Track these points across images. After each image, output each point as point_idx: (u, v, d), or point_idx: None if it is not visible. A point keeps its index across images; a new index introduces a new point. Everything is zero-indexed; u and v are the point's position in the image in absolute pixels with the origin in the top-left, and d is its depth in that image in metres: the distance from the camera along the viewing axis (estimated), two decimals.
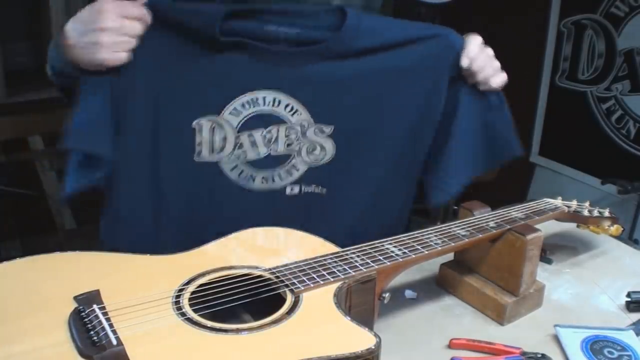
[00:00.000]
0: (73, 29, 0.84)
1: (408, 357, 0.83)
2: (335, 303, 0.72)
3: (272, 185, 0.98)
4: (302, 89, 0.94)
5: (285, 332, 0.67)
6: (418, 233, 0.88)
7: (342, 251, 0.82)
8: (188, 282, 0.74)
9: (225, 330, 0.66)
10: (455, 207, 1.00)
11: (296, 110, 0.95)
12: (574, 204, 1.10)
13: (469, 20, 2.71)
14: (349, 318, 0.70)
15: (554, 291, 1.00)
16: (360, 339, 0.66)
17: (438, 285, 1.01)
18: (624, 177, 2.14)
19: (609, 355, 0.81)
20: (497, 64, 0.99)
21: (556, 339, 0.86)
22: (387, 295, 0.81)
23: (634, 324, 0.91)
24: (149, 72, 0.89)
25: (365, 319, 0.76)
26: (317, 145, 0.97)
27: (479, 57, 0.97)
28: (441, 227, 0.91)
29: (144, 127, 0.92)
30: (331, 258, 0.80)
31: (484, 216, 0.95)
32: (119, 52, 0.85)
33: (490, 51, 1.00)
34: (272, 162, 0.96)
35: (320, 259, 0.79)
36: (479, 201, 1.00)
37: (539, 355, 0.82)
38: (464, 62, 0.96)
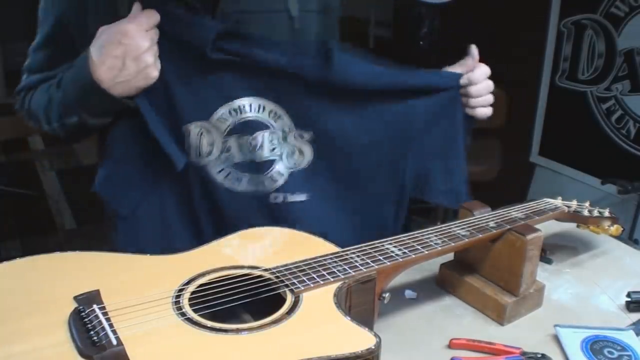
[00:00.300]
0: (108, 68, 0.84)
1: (408, 357, 0.83)
2: (335, 303, 0.72)
3: (257, 189, 0.99)
4: (286, 96, 0.96)
5: (285, 332, 0.67)
6: (418, 233, 0.88)
7: (342, 251, 0.82)
8: (188, 282, 0.74)
9: (225, 330, 0.66)
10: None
11: (279, 116, 0.97)
12: (574, 204, 1.10)
13: (468, 20, 2.72)
14: (349, 318, 0.70)
15: (554, 291, 1.00)
16: (360, 339, 0.66)
17: (438, 285, 1.01)
18: (624, 177, 2.14)
19: (609, 355, 0.81)
20: (491, 98, 1.06)
21: (556, 339, 0.86)
22: (387, 295, 0.81)
23: (634, 324, 0.91)
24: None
25: (365, 319, 0.76)
26: (296, 149, 0.99)
27: (480, 84, 1.03)
28: (441, 227, 0.91)
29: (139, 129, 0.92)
30: (331, 258, 0.80)
31: (484, 216, 0.95)
32: (157, 64, 0.87)
33: (491, 84, 1.05)
34: (257, 167, 0.98)
35: (320, 259, 0.79)
36: (479, 201, 1.00)
37: (539, 355, 0.82)
38: (464, 80, 1.02)
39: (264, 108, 0.96)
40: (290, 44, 0.96)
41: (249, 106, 0.95)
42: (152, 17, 0.86)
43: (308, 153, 1.00)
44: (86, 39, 0.90)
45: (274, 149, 0.98)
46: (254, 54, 0.92)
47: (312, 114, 0.98)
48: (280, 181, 0.99)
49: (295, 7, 1.02)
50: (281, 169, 0.99)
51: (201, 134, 0.94)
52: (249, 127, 0.96)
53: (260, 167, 0.98)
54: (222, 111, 0.94)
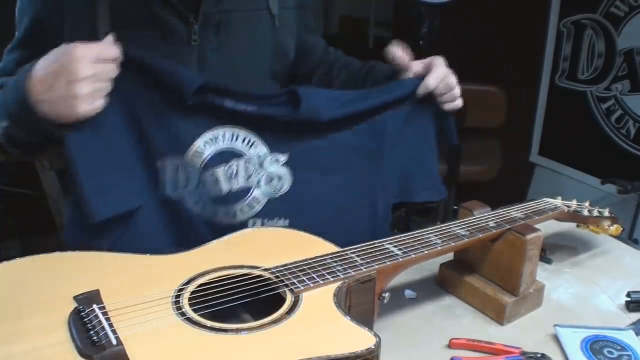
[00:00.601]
0: (41, 81, 0.79)
1: (408, 357, 0.83)
2: (335, 303, 0.72)
3: (235, 219, 0.97)
4: (259, 122, 0.96)
5: (285, 332, 0.67)
6: (418, 233, 0.88)
7: (342, 251, 0.82)
8: (188, 282, 0.74)
9: (225, 330, 0.66)
10: (455, 207, 1.01)
11: (253, 143, 0.96)
12: (574, 204, 1.10)
13: (468, 20, 2.72)
14: (349, 318, 0.70)
15: (554, 291, 1.00)
16: (360, 339, 0.66)
17: (438, 285, 1.01)
18: (624, 177, 2.14)
19: (609, 355, 0.81)
20: (457, 92, 1.07)
21: (556, 339, 0.86)
22: (387, 295, 0.81)
23: (634, 324, 0.91)
24: (117, 114, 0.88)
25: (365, 319, 0.76)
26: (275, 176, 0.99)
27: (440, 85, 1.03)
28: (441, 227, 0.91)
29: (113, 163, 0.89)
30: (331, 258, 0.80)
31: (484, 216, 0.95)
32: (97, 100, 0.81)
33: (451, 81, 1.05)
34: (233, 197, 0.97)
35: (320, 258, 0.79)
36: (479, 201, 1.00)
37: (539, 355, 0.82)
38: (420, 91, 1.03)
39: (237, 137, 0.95)
40: (260, 95, 0.95)
41: (222, 136, 0.94)
42: (110, 52, 0.82)
43: (287, 177, 1.00)
44: (60, 44, 0.89)
45: (250, 176, 0.97)
46: (226, 103, 0.92)
47: (287, 136, 0.98)
48: (258, 208, 0.98)
49: (276, 5, 1.02)
50: (258, 196, 0.98)
51: (177, 168, 0.93)
52: (223, 158, 0.95)
53: (237, 196, 0.97)
54: (197, 145, 0.92)
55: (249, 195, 0.97)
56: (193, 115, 0.91)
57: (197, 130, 0.93)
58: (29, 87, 0.80)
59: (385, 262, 0.80)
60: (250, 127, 0.95)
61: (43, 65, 0.80)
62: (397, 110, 1.04)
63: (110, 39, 0.84)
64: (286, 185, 0.99)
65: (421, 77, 1.04)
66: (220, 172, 0.94)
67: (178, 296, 0.71)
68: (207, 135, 0.93)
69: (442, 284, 1.00)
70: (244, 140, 0.95)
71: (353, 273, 0.77)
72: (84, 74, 0.78)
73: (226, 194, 0.96)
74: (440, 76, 1.04)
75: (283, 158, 0.98)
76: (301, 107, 0.94)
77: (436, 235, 0.88)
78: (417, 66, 1.06)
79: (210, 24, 0.96)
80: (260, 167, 0.98)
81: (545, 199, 1.08)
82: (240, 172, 0.96)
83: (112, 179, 0.88)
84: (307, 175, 1.00)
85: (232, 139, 0.95)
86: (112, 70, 0.82)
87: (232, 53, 0.99)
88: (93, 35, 0.90)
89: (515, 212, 0.98)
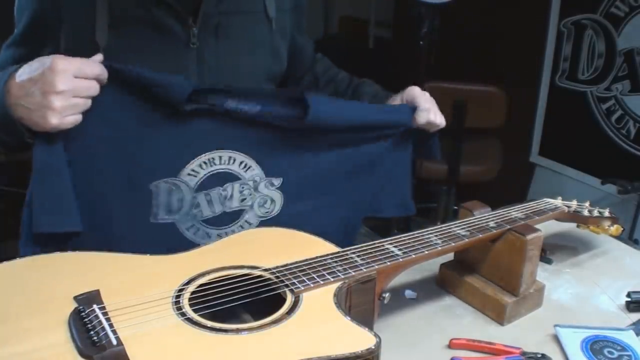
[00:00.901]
0: (20, 85, 0.78)
1: (408, 357, 0.83)
2: (335, 303, 0.72)
3: None
4: (256, 146, 0.96)
5: (285, 332, 0.67)
6: (418, 233, 0.88)
7: (342, 251, 0.82)
8: (188, 282, 0.74)
9: (225, 330, 0.66)
10: (455, 207, 1.01)
11: (249, 167, 0.97)
12: (574, 204, 1.10)
13: (468, 20, 2.72)
14: (349, 318, 0.70)
15: (554, 291, 1.00)
16: (360, 339, 0.66)
17: (438, 285, 1.01)
18: (624, 177, 2.14)
19: (609, 355, 0.81)
20: (437, 109, 1.07)
21: (556, 339, 0.86)
22: (387, 295, 0.81)
23: (634, 324, 0.91)
24: (106, 133, 0.87)
25: (365, 319, 0.76)
26: (268, 198, 1.00)
27: (430, 111, 1.04)
28: (441, 227, 0.91)
29: (98, 189, 0.89)
30: (331, 258, 0.80)
31: (484, 216, 0.95)
32: (72, 115, 0.80)
33: (432, 100, 1.07)
34: (226, 218, 0.97)
35: (320, 258, 0.79)
36: (479, 201, 1.00)
37: (539, 355, 0.82)
38: (422, 120, 1.04)
39: (234, 160, 0.95)
40: (265, 93, 0.96)
41: (219, 159, 0.94)
42: (93, 69, 0.81)
43: (278, 200, 1.01)
44: (57, 45, 0.89)
45: (244, 199, 0.98)
46: (227, 104, 0.91)
47: (283, 162, 0.99)
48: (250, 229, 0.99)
49: (273, 7, 1.03)
50: (251, 218, 0.99)
51: (171, 190, 0.92)
52: (219, 179, 0.95)
53: (229, 218, 0.97)
54: (192, 166, 0.92)
55: (242, 217, 0.98)
56: (190, 135, 0.91)
57: (193, 151, 0.92)
58: (8, 88, 0.80)
59: (385, 262, 0.80)
60: (248, 150, 0.96)
61: (26, 70, 0.80)
62: (384, 135, 1.05)
63: (99, 56, 0.84)
64: (277, 208, 1.01)
65: (413, 106, 1.05)
66: (215, 193, 0.95)
67: (178, 296, 0.71)
68: (203, 157, 0.93)
69: (442, 284, 1.00)
70: (240, 164, 0.96)
71: (353, 273, 0.77)
72: (60, 87, 0.77)
73: (218, 216, 0.96)
74: (426, 99, 1.06)
75: (277, 182, 1.00)
76: (309, 114, 0.93)
77: (436, 235, 0.88)
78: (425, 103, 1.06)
79: (208, 26, 0.96)
80: (255, 190, 0.98)
81: (545, 199, 1.08)
82: (235, 195, 0.97)
83: (58, 197, 0.86)
84: (298, 198, 1.02)
85: (228, 162, 0.95)
86: (92, 88, 0.82)
87: (230, 55, 0.99)
88: (91, 36, 0.90)
89: (515, 212, 0.98)
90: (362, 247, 0.83)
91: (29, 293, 0.69)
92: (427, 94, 1.07)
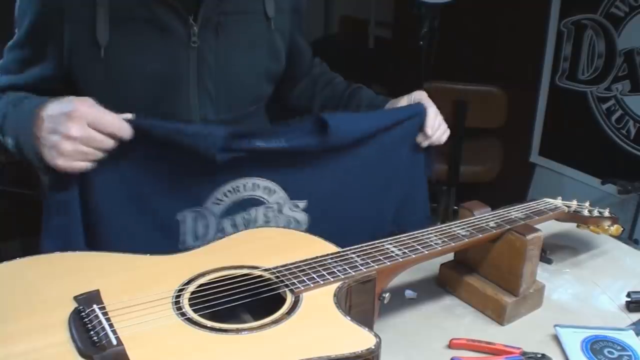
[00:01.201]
0: (47, 119, 0.80)
1: (408, 357, 0.83)
2: (335, 303, 0.72)
3: None
4: (280, 173, 0.98)
5: (285, 332, 0.67)
6: (418, 233, 0.88)
7: (342, 251, 0.82)
8: (188, 282, 0.74)
9: (225, 330, 0.66)
10: (455, 207, 1.01)
11: (274, 191, 0.98)
12: (574, 204, 1.10)
13: (468, 20, 2.72)
14: (349, 318, 0.70)
15: (554, 291, 1.00)
16: (360, 339, 0.66)
17: (438, 285, 1.01)
18: (624, 177, 2.14)
19: (609, 355, 0.81)
20: (445, 125, 1.11)
21: (556, 339, 0.86)
22: (387, 295, 0.81)
23: (634, 324, 0.91)
24: (129, 171, 0.88)
25: (365, 319, 0.76)
26: (292, 219, 1.01)
27: (436, 126, 1.08)
28: (441, 227, 0.91)
29: (124, 224, 0.90)
30: (331, 258, 0.80)
31: (484, 216, 0.95)
32: (79, 162, 0.81)
33: (441, 117, 1.10)
34: None
35: (320, 258, 0.79)
36: (479, 201, 1.00)
37: (539, 355, 0.82)
38: (428, 132, 1.07)
39: (258, 186, 0.97)
40: (288, 128, 0.97)
41: (243, 187, 0.95)
42: (109, 124, 0.81)
43: (303, 221, 1.02)
44: (60, 45, 0.90)
45: (268, 221, 0.99)
46: (258, 148, 0.92)
47: (306, 184, 1.00)
48: None
49: (272, 8, 1.03)
50: None
51: (196, 218, 0.94)
52: (243, 205, 0.97)
53: None
54: (217, 194, 0.94)
55: None
56: (213, 167, 0.90)
57: (217, 181, 0.93)
58: (35, 120, 0.81)
59: (385, 262, 0.80)
60: (271, 176, 0.97)
61: (53, 107, 0.81)
62: (400, 150, 1.07)
63: (127, 115, 0.83)
64: (303, 227, 1.02)
65: (421, 105, 1.07)
66: (239, 217, 0.97)
67: (178, 296, 0.71)
68: (228, 186, 0.94)
69: (442, 284, 1.00)
70: (264, 189, 0.97)
71: (353, 273, 0.77)
72: (72, 133, 0.78)
73: None
74: (434, 112, 1.08)
75: (302, 204, 1.01)
76: (330, 132, 0.95)
77: (436, 235, 0.88)
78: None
79: (209, 26, 0.96)
80: (279, 213, 1.00)
81: (545, 199, 1.08)
82: (259, 218, 0.99)
83: (65, 232, 0.86)
84: (323, 218, 1.03)
85: (252, 188, 0.96)
86: (104, 142, 0.82)
87: (230, 54, 1.00)
88: (92, 35, 0.90)
89: (515, 212, 0.98)
90: (362, 247, 0.83)
91: (29, 293, 0.69)
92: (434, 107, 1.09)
